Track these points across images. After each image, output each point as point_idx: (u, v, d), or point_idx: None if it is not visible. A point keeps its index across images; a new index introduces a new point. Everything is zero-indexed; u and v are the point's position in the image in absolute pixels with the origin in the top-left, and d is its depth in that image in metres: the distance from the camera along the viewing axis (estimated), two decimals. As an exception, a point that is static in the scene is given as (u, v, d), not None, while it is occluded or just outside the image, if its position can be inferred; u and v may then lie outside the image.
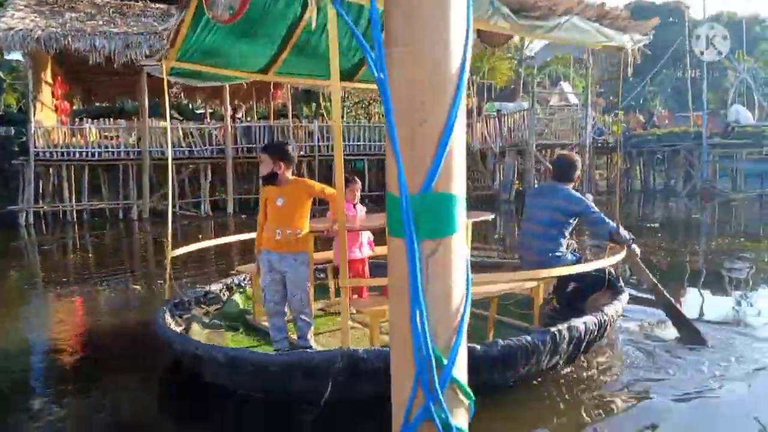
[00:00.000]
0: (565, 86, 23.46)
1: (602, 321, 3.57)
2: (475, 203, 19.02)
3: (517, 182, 20.05)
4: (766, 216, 14.71)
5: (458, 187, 0.91)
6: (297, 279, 3.68)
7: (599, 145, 20.08)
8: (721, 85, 28.86)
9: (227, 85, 16.85)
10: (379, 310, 3.39)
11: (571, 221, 4.29)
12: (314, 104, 21.04)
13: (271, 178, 3.75)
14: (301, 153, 18.84)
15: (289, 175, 3.77)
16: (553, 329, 3.28)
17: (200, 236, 13.47)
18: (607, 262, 4.01)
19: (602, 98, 23.50)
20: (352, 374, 2.84)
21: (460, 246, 0.92)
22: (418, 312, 0.88)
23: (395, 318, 0.93)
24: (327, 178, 19.77)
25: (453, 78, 0.88)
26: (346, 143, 19.91)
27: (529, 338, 3.16)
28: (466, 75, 0.90)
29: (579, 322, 3.41)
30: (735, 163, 18.69)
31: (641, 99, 27.43)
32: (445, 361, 0.91)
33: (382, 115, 15.73)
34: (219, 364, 3.17)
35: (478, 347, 2.98)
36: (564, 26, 3.30)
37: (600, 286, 4.25)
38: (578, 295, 4.36)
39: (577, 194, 4.35)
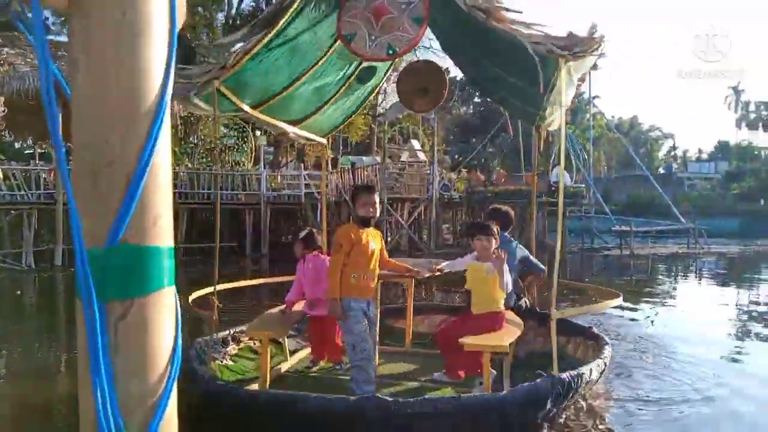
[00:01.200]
0: (415, 143, 24.84)
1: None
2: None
3: (370, 234, 20.49)
4: (587, 268, 16.48)
5: (161, 237, 0.79)
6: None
7: (445, 200, 21.33)
8: (550, 148, 32.50)
9: (60, 123, 15.41)
10: None
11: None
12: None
13: (369, 221, 3.75)
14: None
15: None
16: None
17: (18, 292, 11.85)
18: None
19: (448, 156, 25.18)
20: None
21: (162, 306, 0.80)
22: (100, 389, 0.74)
23: (81, 396, 0.78)
24: (174, 227, 18.60)
25: (149, 109, 0.77)
26: (197, 191, 19.03)
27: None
28: (168, 105, 0.79)
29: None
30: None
31: (482, 159, 29.89)
32: (139, 445, 0.77)
33: (236, 163, 15.36)
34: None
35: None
36: None
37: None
38: None
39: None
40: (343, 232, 3.68)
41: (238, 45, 3.56)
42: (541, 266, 5.02)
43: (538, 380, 3.36)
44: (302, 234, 4.56)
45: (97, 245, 0.75)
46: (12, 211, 15.45)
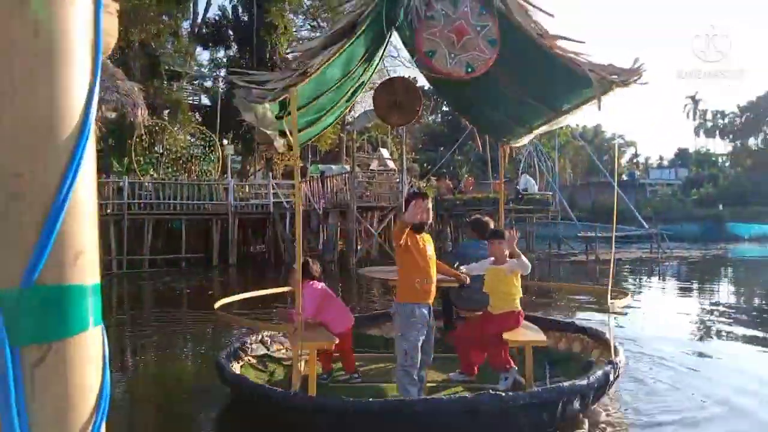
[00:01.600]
0: (384, 152, 24.88)
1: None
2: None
3: (340, 242, 20.40)
4: (555, 273, 16.71)
5: (82, 275, 0.74)
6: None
7: (415, 208, 21.40)
8: (516, 156, 32.97)
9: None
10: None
11: None
12: (126, 159, 19.52)
13: (423, 227, 3.85)
14: (108, 211, 17.16)
15: None
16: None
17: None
18: None
19: (417, 164, 25.30)
20: None
21: (86, 348, 0.75)
22: (14, 439, 0.68)
23: (-5, 447, 0.72)
24: (139, 238, 18.20)
25: (66, 142, 0.71)
26: (162, 201, 18.65)
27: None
28: (90, 135, 0.74)
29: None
30: (527, 227, 21.11)
31: (451, 166, 30.14)
32: (59, 502, 0.71)
33: (203, 172, 15.20)
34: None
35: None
36: None
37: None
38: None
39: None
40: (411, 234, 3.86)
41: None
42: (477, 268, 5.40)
43: (600, 371, 3.85)
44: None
45: (10, 286, 0.69)
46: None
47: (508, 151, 6.31)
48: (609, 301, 4.27)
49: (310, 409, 3.51)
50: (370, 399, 3.67)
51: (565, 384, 3.71)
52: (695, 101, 61.85)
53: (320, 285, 4.62)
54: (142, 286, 14.44)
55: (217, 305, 4.70)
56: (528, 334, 4.28)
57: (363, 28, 3.52)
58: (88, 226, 0.76)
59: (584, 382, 3.73)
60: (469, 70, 3.89)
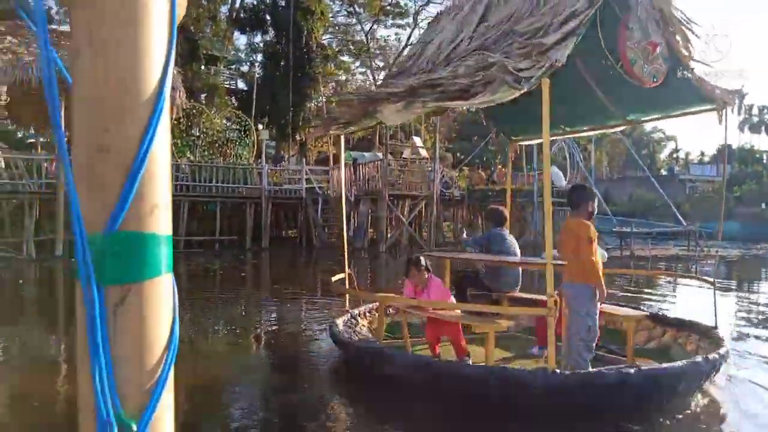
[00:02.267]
0: (417, 140, 24.81)
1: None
2: (329, 251, 19.07)
3: (371, 230, 20.51)
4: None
5: (157, 225, 0.80)
6: None
7: (446, 197, 21.33)
8: (551, 146, 32.53)
9: (62, 113, 15.43)
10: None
11: None
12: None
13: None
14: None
15: None
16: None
17: (20, 281, 11.90)
18: None
19: (450, 153, 25.20)
20: None
21: (160, 293, 0.81)
22: (98, 372, 0.76)
23: (80, 380, 0.79)
24: (175, 219, 18.62)
25: (149, 99, 0.78)
26: (198, 183, 19.04)
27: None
28: (167, 94, 0.81)
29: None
30: (559, 220, 20.84)
31: (484, 157, 29.87)
32: (135, 428, 0.79)
33: (239, 156, 15.66)
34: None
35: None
36: None
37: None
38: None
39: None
40: (589, 227, 4.39)
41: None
42: (503, 256, 5.85)
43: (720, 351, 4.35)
44: (412, 258, 5.20)
45: (96, 231, 0.76)
46: (13, 200, 15.50)
47: (516, 148, 7.31)
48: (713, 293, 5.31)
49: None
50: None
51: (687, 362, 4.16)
52: (741, 95, 59.66)
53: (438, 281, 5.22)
54: (177, 265, 14.84)
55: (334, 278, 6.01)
56: (624, 310, 5.23)
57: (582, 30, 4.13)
58: (163, 182, 0.82)
59: (702, 362, 4.15)
60: (654, 79, 4.64)
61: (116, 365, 0.76)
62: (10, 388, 4.97)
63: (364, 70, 35.31)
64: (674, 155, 63.26)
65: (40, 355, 6.03)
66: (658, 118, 6.09)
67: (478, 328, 4.69)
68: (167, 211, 0.81)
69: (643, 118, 6.18)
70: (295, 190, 20.87)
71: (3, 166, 15.69)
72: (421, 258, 5.13)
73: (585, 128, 6.79)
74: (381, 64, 33.45)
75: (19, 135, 23.48)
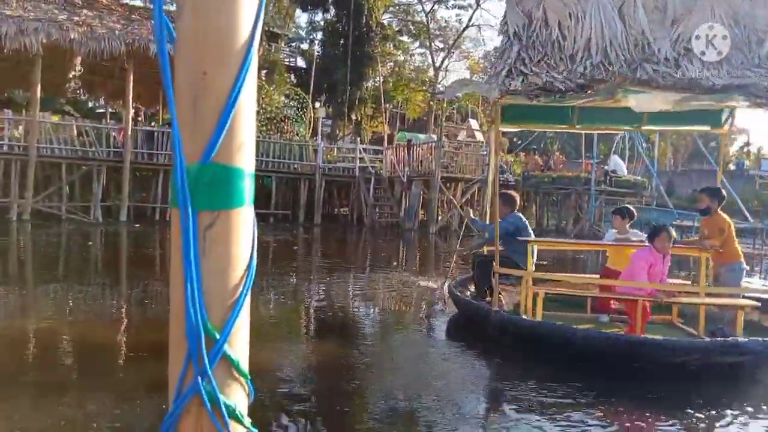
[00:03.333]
0: (473, 123, 24.52)
1: None
2: (379, 229, 19.25)
3: (422, 212, 20.55)
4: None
5: (243, 161, 0.91)
6: None
7: (500, 182, 21.06)
8: (611, 136, 31.49)
9: (131, 87, 16.13)
10: None
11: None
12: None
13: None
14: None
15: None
16: None
17: (90, 243, 12.63)
18: None
19: (506, 138, 24.81)
20: None
21: (242, 221, 0.93)
22: (190, 285, 0.87)
23: (173, 292, 0.92)
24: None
25: (240, 51, 0.89)
26: (256, 158, 19.54)
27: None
28: (256, 47, 0.91)
29: None
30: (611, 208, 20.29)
31: (541, 143, 29.26)
32: (218, 336, 0.90)
33: (296, 133, 16.11)
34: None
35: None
36: None
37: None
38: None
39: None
40: (727, 220, 5.85)
41: None
42: (531, 237, 6.37)
43: None
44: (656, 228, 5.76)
45: (192, 162, 0.88)
46: (83, 167, 16.36)
47: None
48: None
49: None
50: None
51: None
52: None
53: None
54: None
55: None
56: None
57: None
58: (250, 124, 0.93)
59: None
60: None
61: (204, 280, 0.88)
62: (78, 336, 5.36)
63: (423, 50, 35.03)
64: (745, 149, 59.99)
65: (105, 311, 6.46)
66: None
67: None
68: (251, 150, 0.92)
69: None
70: (349, 168, 21.12)
71: (75, 134, 16.54)
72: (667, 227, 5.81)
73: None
74: (441, 45, 33.07)
75: (90, 105, 24.62)
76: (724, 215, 5.97)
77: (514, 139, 28.48)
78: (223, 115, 0.86)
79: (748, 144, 61.66)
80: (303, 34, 32.16)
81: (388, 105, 28.11)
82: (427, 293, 8.38)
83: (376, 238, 17.40)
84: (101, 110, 23.55)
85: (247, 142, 0.91)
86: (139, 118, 20.32)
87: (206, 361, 0.89)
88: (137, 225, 15.56)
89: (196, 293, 0.87)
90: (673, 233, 5.59)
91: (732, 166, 46.60)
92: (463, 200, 20.30)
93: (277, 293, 8.04)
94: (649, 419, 4.01)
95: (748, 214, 22.64)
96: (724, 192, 6.10)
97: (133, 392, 3.85)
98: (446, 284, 7.11)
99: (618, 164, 20.02)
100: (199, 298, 0.88)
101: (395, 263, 12.69)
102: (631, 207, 7.07)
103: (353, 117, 27.14)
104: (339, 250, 14.80)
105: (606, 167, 19.95)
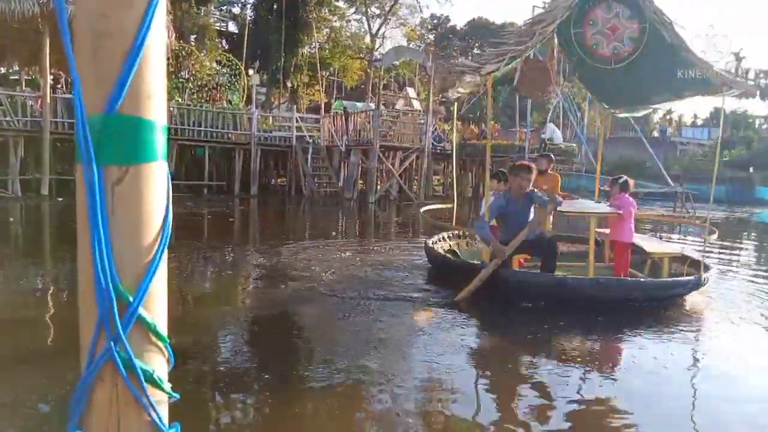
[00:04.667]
0: (411, 91, 24.53)
1: None
2: (318, 199, 19.09)
3: (361, 182, 20.51)
4: (574, 226, 16.70)
5: (153, 113, 0.85)
6: None
7: (438, 151, 21.28)
8: (545, 105, 32.29)
9: (47, 51, 15.03)
10: None
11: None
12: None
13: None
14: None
15: None
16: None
17: (11, 219, 11.87)
18: None
19: (443, 107, 25.00)
20: None
21: (154, 177, 0.87)
22: (98, 245, 0.82)
23: (80, 253, 0.86)
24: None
25: (144, -7, 0.82)
26: (187, 127, 18.82)
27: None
28: (164, -8, 0.85)
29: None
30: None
31: (477, 112, 29.66)
32: (131, 299, 0.85)
33: (229, 101, 15.70)
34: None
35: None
36: None
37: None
38: None
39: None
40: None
41: None
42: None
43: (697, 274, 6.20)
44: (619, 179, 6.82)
45: (96, 113, 0.81)
46: (-2, 138, 15.26)
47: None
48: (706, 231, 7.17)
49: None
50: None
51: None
52: (738, 58, 59.08)
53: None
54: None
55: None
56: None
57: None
58: (158, 73, 0.87)
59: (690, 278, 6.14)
60: (615, 51, 6.12)
61: (114, 240, 0.83)
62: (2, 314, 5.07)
63: (359, 17, 34.46)
64: (667, 117, 63.10)
65: (28, 287, 6.12)
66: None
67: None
68: (162, 101, 0.86)
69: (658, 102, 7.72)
70: (285, 137, 20.72)
71: (-13, 102, 15.38)
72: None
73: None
74: (377, 12, 32.61)
75: (2, 71, 22.90)
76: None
77: (451, 108, 28.70)
78: (127, 61, 0.79)
79: (670, 111, 64.89)
80: (234, -3, 30.92)
81: (324, 73, 27.59)
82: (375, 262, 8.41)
83: (315, 208, 17.26)
84: (15, 77, 21.94)
85: (156, 93, 0.84)
86: (59, 86, 19.05)
87: (119, 325, 0.84)
88: (60, 199, 14.74)
89: (105, 254, 0.82)
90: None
91: (656, 134, 49.02)
92: (402, 169, 20.40)
93: (215, 265, 7.86)
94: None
95: (669, 179, 23.98)
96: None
97: (54, 364, 3.70)
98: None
99: (554, 132, 20.60)
100: (108, 258, 0.82)
101: (334, 233, 12.66)
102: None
103: (289, 85, 26.50)
104: (278, 222, 14.59)
105: (543, 135, 20.49)
